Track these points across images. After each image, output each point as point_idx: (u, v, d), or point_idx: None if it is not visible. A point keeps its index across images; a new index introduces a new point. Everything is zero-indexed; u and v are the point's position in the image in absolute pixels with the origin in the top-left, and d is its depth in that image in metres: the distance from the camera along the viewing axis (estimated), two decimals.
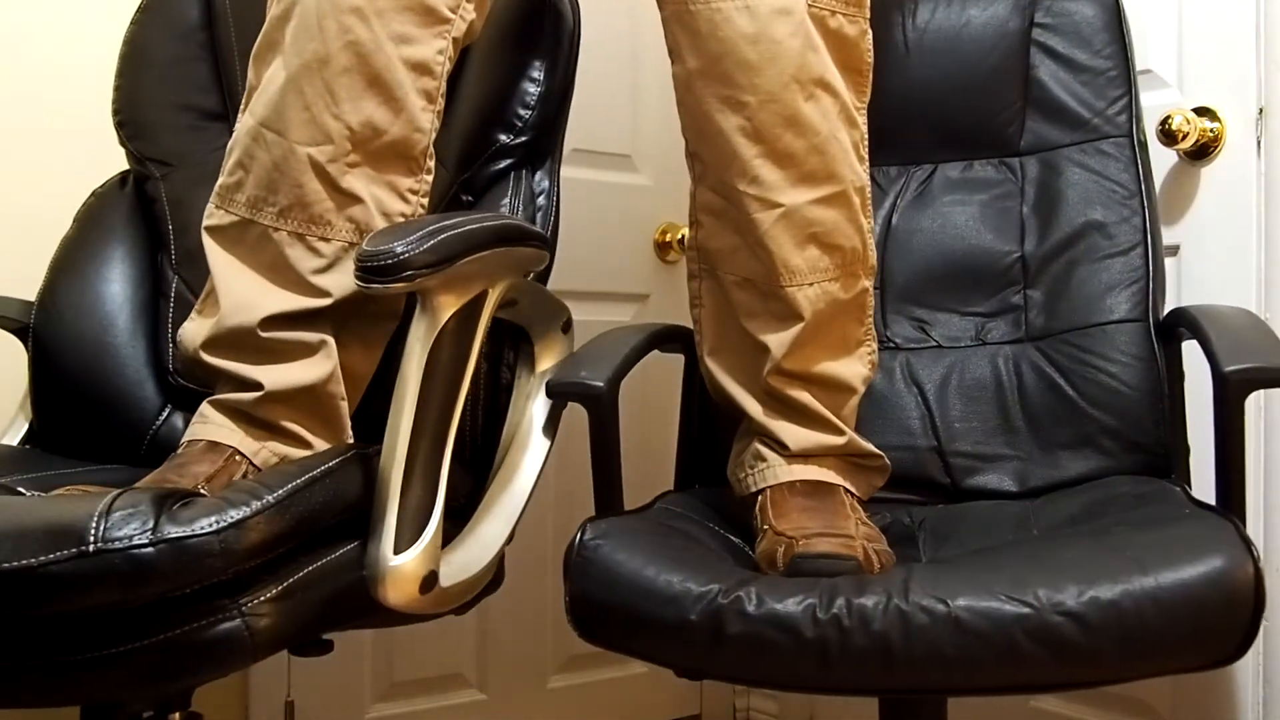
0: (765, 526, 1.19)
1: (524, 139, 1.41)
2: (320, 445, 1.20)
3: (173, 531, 0.89)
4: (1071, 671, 0.95)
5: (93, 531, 0.86)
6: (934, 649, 0.94)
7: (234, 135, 1.23)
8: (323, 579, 1.04)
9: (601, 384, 1.22)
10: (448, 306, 1.09)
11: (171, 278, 1.45)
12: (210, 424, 1.17)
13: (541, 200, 1.42)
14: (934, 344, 1.53)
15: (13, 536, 0.87)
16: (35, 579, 0.86)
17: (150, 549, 0.87)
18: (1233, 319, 1.28)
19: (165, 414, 1.39)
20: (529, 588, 2.04)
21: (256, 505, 0.94)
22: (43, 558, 0.86)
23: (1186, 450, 1.42)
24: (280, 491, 0.98)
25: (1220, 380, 1.14)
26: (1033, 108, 1.57)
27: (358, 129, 1.18)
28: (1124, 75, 1.56)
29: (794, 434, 1.28)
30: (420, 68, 1.21)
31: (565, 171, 2.08)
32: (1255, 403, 1.54)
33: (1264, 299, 1.57)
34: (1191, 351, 1.46)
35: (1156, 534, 1.06)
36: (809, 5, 1.23)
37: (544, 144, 1.44)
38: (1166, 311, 1.44)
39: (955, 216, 1.56)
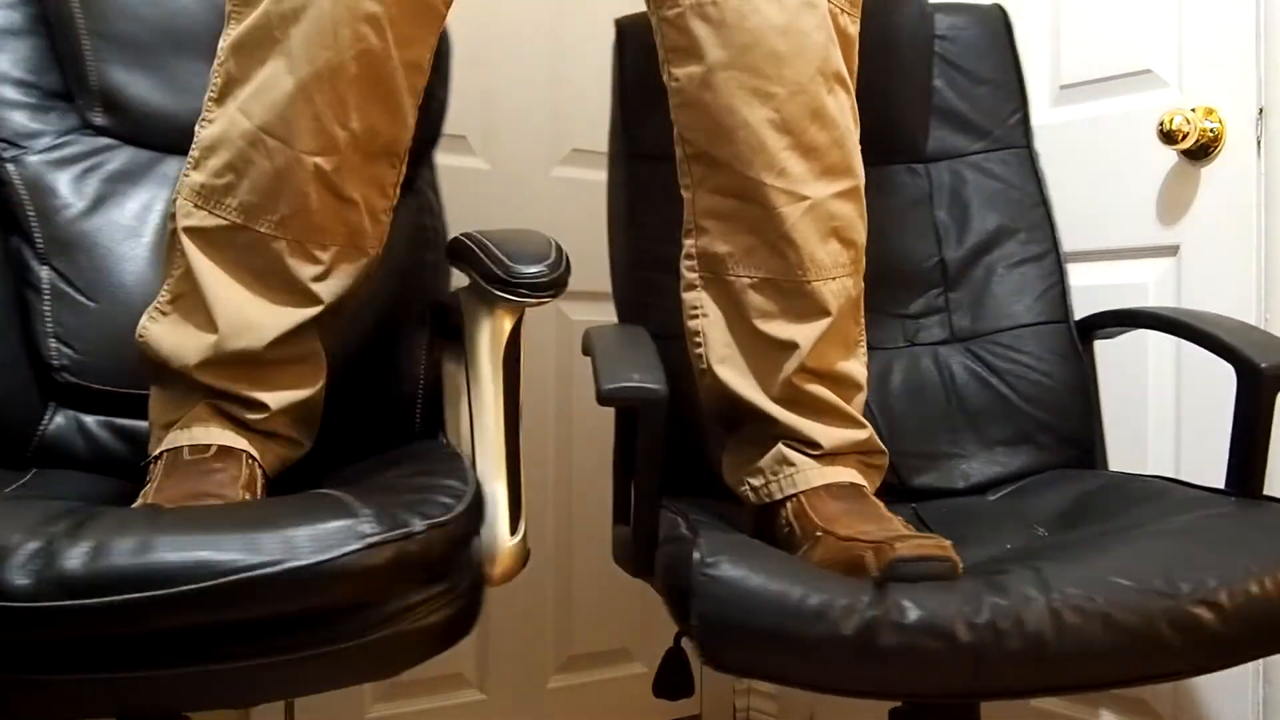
0: (817, 533, 1.16)
1: (424, 138, 1.45)
2: (307, 443, 1.22)
3: (426, 521, 0.96)
4: (1207, 658, 0.98)
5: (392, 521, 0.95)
6: (1085, 646, 0.94)
7: (214, 130, 1.18)
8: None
9: (659, 387, 1.16)
10: (514, 314, 1.21)
11: (38, 268, 1.36)
12: (212, 428, 1.16)
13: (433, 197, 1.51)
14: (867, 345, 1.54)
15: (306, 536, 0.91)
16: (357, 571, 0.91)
17: (423, 534, 0.95)
18: (1225, 321, 1.33)
19: (50, 414, 1.34)
20: (529, 588, 2.04)
21: (459, 507, 1.02)
22: (380, 536, 0.92)
23: (1105, 443, 1.51)
24: (470, 491, 1.06)
25: (1254, 374, 1.21)
26: (937, 116, 1.61)
27: (360, 135, 1.17)
28: (1017, 91, 1.64)
29: (825, 432, 1.26)
30: (414, 66, 1.20)
31: (565, 171, 2.10)
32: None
33: (1264, 299, 1.57)
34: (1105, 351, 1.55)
35: (1237, 525, 1.12)
36: (828, 1, 1.23)
37: (431, 146, 1.51)
38: (1163, 310, 1.48)
39: (873, 220, 1.56)
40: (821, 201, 1.24)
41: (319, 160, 1.16)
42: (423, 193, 1.47)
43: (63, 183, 1.36)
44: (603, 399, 1.15)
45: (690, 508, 1.32)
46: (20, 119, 1.40)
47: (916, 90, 1.60)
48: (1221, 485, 1.27)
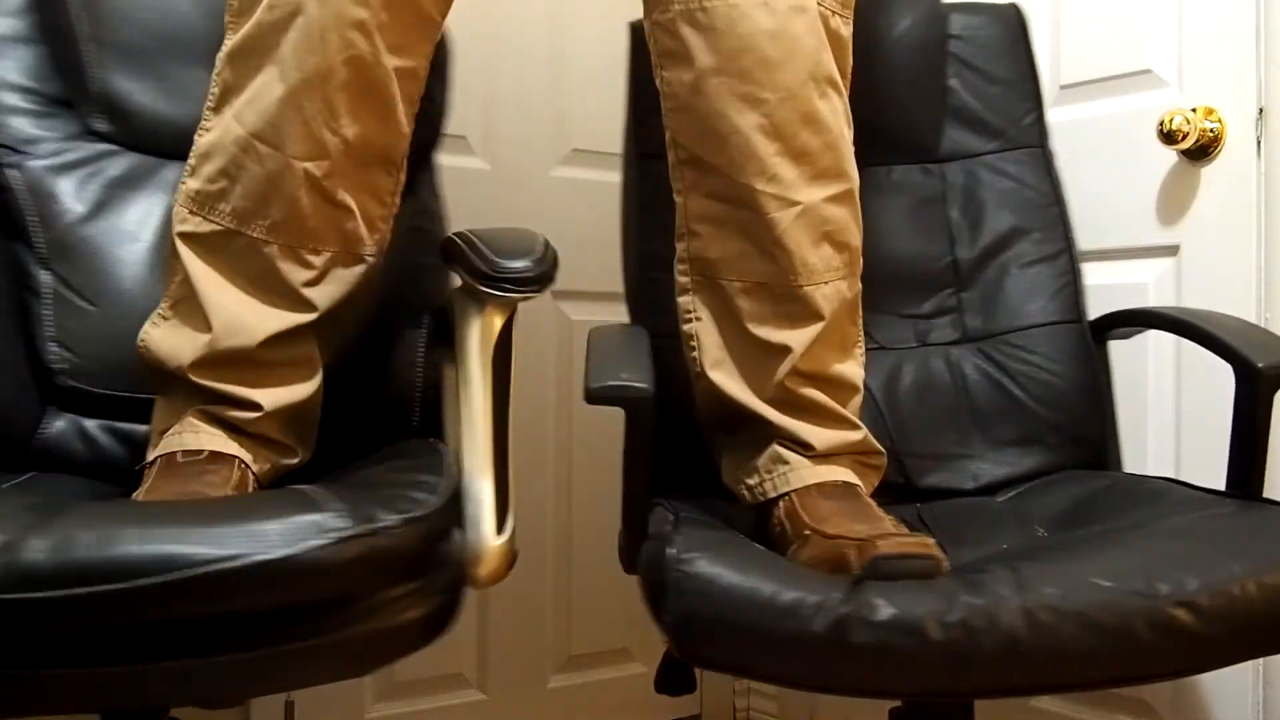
0: (805, 532, 1.17)
1: (422, 141, 1.44)
2: (303, 452, 1.22)
3: (399, 515, 0.93)
4: (1185, 660, 0.98)
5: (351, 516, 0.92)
6: (1058, 645, 0.94)
7: (209, 138, 1.20)
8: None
9: (646, 385, 1.16)
10: (504, 312, 1.21)
11: (38, 273, 1.36)
12: (203, 433, 1.16)
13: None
14: (876, 346, 1.54)
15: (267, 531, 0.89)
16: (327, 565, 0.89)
17: (396, 529, 0.92)
18: (1228, 321, 1.32)
19: (50, 417, 1.34)
20: (529, 588, 2.04)
21: (434, 502, 0.99)
22: (349, 530, 0.89)
23: (1119, 444, 1.51)
24: (446, 485, 1.03)
25: (1253, 375, 1.22)
26: (951, 116, 1.62)
27: (353, 142, 1.18)
28: (1032, 90, 1.64)
29: (817, 433, 1.26)
30: (410, 74, 1.20)
31: (565, 171, 2.10)
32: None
33: (1264, 299, 1.57)
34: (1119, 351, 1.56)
35: (1231, 523, 1.11)
36: (818, 4, 1.23)
37: (430, 149, 1.50)
38: (1171, 310, 1.48)
39: (885, 221, 1.57)
40: (814, 206, 1.24)
41: (309, 165, 1.16)
42: (421, 196, 1.47)
43: (64, 188, 1.37)
44: (590, 397, 1.16)
45: (686, 506, 1.32)
46: (23, 125, 1.41)
47: (929, 90, 1.60)
48: (1223, 486, 1.28)
